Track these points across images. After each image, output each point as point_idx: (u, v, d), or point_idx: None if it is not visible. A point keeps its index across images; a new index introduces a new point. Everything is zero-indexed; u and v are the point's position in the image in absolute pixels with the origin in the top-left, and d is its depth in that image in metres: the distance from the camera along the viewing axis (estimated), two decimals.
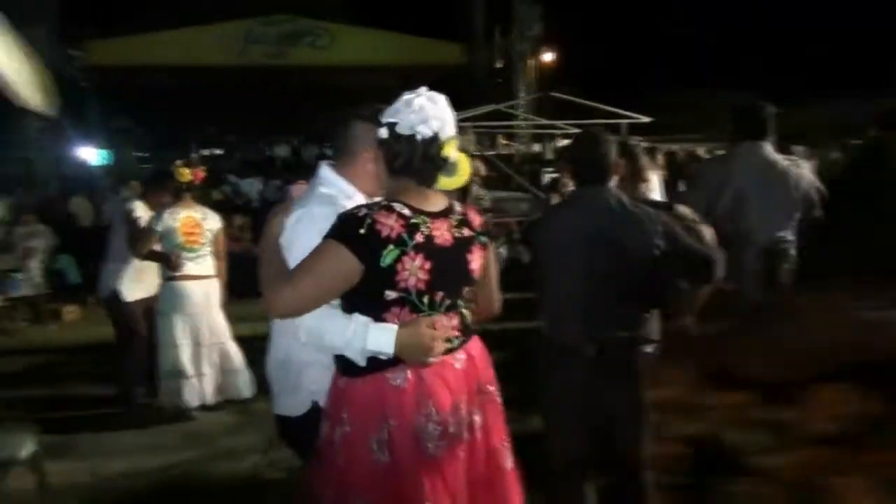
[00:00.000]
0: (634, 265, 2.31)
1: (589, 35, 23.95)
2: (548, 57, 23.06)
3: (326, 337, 1.70)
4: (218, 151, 28.51)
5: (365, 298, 1.72)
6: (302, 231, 1.76)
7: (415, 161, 1.74)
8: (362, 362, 1.71)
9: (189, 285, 4.26)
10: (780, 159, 3.35)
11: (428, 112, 1.71)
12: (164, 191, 4.47)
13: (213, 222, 4.38)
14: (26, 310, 7.30)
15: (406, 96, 1.75)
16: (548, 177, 9.03)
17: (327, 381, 1.81)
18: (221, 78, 22.45)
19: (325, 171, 1.96)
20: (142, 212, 4.48)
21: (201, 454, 3.76)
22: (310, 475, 1.76)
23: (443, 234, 1.75)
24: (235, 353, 4.45)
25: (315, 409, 1.86)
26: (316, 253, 1.69)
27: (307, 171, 8.43)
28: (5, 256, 8.50)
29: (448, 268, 1.75)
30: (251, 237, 9.30)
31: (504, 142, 22.87)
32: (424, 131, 1.71)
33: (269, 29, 20.07)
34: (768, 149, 3.34)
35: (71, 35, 18.33)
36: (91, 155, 21.76)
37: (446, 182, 1.78)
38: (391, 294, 1.70)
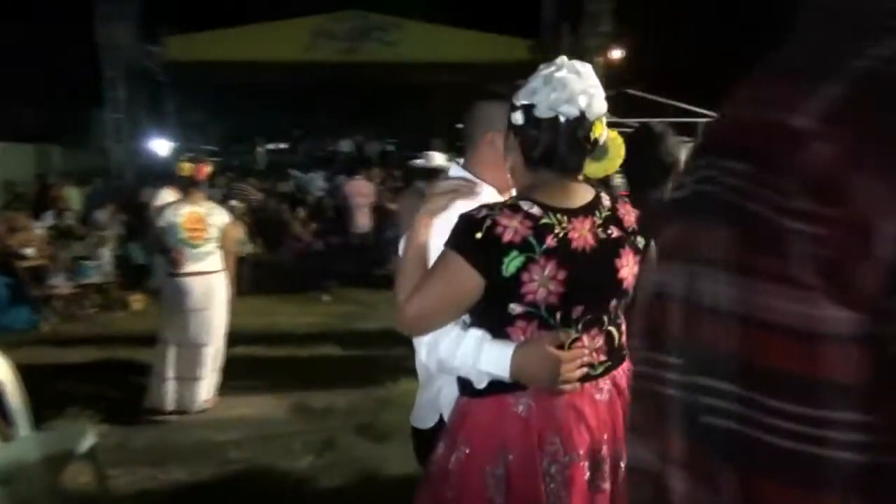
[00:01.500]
0: None
1: (662, 31, 23.26)
2: (616, 54, 22.56)
3: (442, 354, 1.49)
4: (283, 146, 29.00)
5: (488, 311, 1.46)
6: (437, 233, 1.54)
7: (558, 149, 1.43)
8: (481, 384, 1.47)
9: (189, 282, 4.19)
10: None
11: (573, 87, 1.39)
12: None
13: (219, 217, 4.29)
14: (96, 297, 7.45)
15: (544, 70, 1.43)
16: (617, 178, 8.67)
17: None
18: (290, 74, 22.79)
19: (453, 169, 1.77)
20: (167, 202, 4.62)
21: (258, 453, 3.66)
22: (418, 497, 1.55)
23: (583, 235, 1.43)
24: (216, 357, 4.35)
25: (441, 424, 1.66)
26: (436, 264, 1.47)
27: (369, 167, 8.32)
28: (77, 244, 8.75)
29: (589, 277, 1.43)
30: (312, 231, 9.32)
31: None
32: (569, 111, 1.39)
33: (338, 25, 20.25)
34: None
35: (150, 31, 18.91)
36: (165, 147, 22.47)
37: (595, 168, 1.48)
38: (517, 308, 1.41)
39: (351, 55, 20.56)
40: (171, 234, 4.16)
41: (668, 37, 24.27)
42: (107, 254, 9.00)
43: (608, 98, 1.45)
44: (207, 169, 4.29)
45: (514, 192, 1.57)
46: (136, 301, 7.60)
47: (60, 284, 6.82)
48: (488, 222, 1.38)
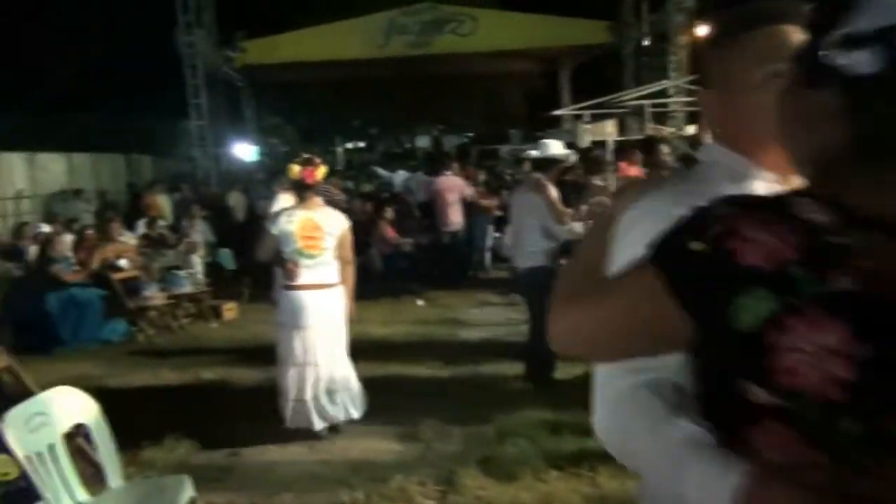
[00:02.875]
0: None
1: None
2: (702, 31, 21.31)
3: (629, 443, 0.93)
4: (361, 144, 29.08)
5: (707, 384, 0.81)
6: (631, 232, 0.99)
7: None
8: None
9: (304, 296, 3.78)
10: None
11: None
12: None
13: (335, 224, 3.85)
14: (189, 306, 7.31)
15: None
16: None
17: None
18: (365, 71, 22.69)
19: (706, 150, 1.13)
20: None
21: (372, 491, 3.24)
22: None
23: None
24: (346, 372, 3.95)
25: None
26: (624, 268, 0.87)
27: (447, 162, 7.67)
28: (168, 253, 8.69)
29: None
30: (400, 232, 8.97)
31: (652, 126, 21.43)
32: None
33: (411, 19, 19.89)
34: None
35: (226, 37, 19.15)
36: (246, 151, 22.80)
37: None
38: (761, 395, 0.72)
39: (424, 49, 20.21)
40: (285, 243, 3.81)
41: None
42: (197, 261, 8.93)
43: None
44: (320, 171, 3.88)
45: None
46: (229, 310, 7.43)
47: (154, 296, 6.68)
48: (718, 228, 0.73)
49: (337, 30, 19.73)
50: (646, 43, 21.61)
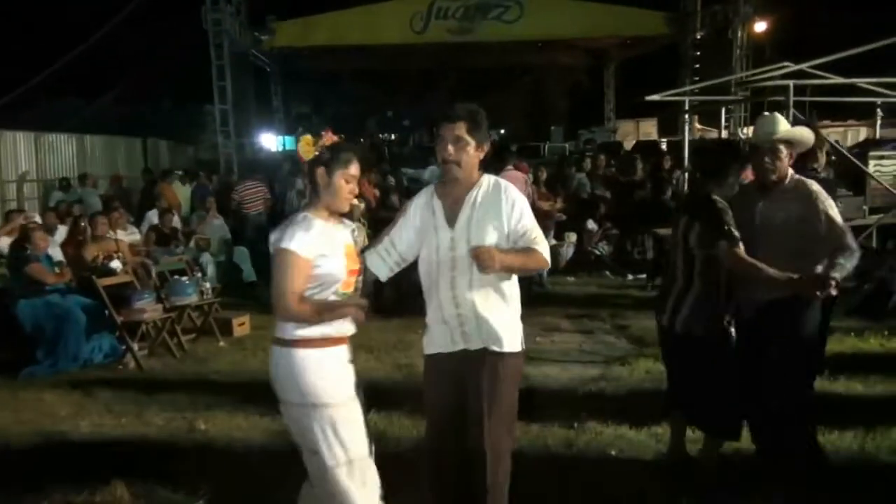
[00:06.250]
0: None
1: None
2: (760, 27, 19.72)
3: None
4: (394, 136, 27.89)
5: None
6: None
7: None
8: None
9: (339, 354, 2.29)
10: None
11: None
12: None
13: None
14: (194, 315, 6.03)
15: None
16: None
17: None
18: (401, 60, 21.42)
19: None
20: None
21: None
22: None
23: None
24: None
25: None
26: None
27: (509, 156, 5.89)
28: (178, 251, 7.45)
29: None
30: None
31: (699, 126, 19.90)
32: None
33: (454, 3, 18.46)
34: None
35: (257, 17, 17.95)
36: (272, 140, 21.65)
37: None
38: None
39: (466, 35, 18.80)
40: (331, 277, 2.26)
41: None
42: (209, 259, 7.68)
43: None
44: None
45: None
46: (240, 325, 6.14)
47: (149, 307, 5.40)
48: None
49: (375, 12, 18.42)
50: (698, 36, 20.05)
